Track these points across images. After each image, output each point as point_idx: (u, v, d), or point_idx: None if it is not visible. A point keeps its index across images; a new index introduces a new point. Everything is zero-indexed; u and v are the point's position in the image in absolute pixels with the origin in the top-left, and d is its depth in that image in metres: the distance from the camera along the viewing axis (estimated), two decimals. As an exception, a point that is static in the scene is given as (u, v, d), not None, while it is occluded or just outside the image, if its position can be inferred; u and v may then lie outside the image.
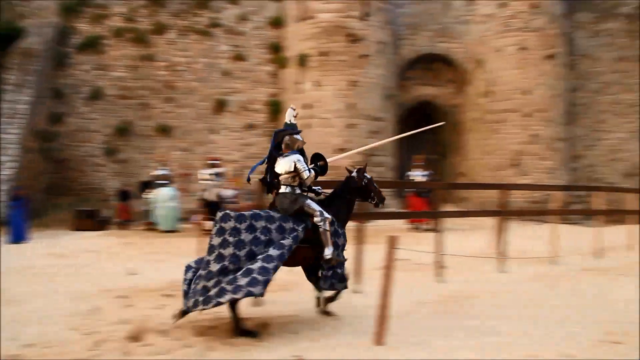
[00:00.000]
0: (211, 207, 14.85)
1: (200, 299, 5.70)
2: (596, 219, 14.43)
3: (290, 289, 8.58)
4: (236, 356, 5.43)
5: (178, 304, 6.47)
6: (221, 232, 5.84)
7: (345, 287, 6.73)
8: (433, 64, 24.38)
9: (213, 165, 16.66)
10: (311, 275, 6.68)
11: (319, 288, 6.69)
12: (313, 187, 6.76)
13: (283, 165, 6.40)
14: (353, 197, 7.08)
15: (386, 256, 5.96)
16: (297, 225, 6.20)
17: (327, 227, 6.27)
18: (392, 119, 22.29)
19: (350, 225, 7.22)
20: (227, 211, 5.99)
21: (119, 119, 20.93)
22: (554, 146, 23.01)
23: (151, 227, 16.69)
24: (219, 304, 5.63)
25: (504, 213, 11.59)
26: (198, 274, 5.91)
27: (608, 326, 6.56)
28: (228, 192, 16.77)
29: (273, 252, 5.81)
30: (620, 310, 7.41)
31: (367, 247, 8.94)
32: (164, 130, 21.36)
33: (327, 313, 6.88)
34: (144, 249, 13.28)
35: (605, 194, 16.36)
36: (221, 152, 20.83)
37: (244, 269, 5.67)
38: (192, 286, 5.91)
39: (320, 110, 20.69)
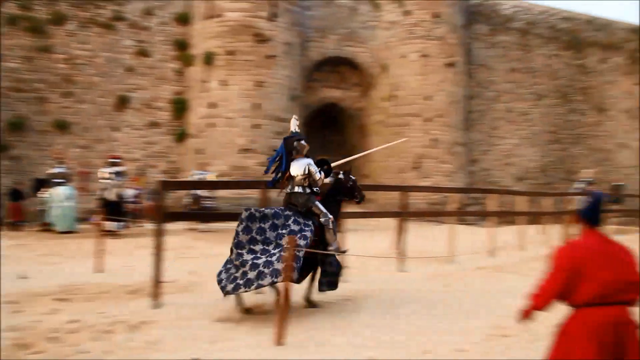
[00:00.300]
0: (111, 207, 14.34)
1: (241, 282, 6.43)
2: (490, 219, 15.12)
3: (191, 290, 8.44)
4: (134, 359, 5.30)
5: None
6: (249, 231, 6.66)
7: (334, 289, 7.55)
8: (339, 67, 24.76)
9: (114, 164, 16.02)
10: (307, 269, 7.17)
11: (318, 288, 7.43)
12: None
13: (297, 169, 7.21)
14: (342, 197, 7.91)
15: (287, 256, 5.98)
16: (309, 221, 7.02)
17: (331, 226, 7.15)
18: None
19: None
20: (252, 211, 6.78)
21: (12, 114, 19.72)
22: (453, 150, 23.94)
23: (47, 228, 15.84)
24: (260, 286, 6.40)
25: (403, 214, 11.91)
26: (231, 264, 6.67)
27: (498, 320, 6.89)
28: (129, 192, 16.28)
29: (299, 242, 6.47)
30: (508, 305, 7.82)
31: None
32: (62, 126, 20.36)
33: (313, 304, 7.51)
34: (37, 251, 12.61)
35: (498, 196, 17.15)
36: (122, 150, 20.19)
37: (277, 256, 6.37)
38: (226, 274, 6.67)
39: (225, 110, 20.49)
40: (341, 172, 8.01)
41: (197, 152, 20.81)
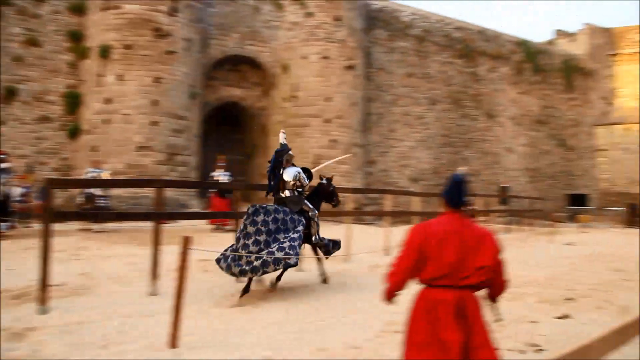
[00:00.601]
0: (-5, 206, 13.49)
1: (248, 268, 7.52)
2: (386, 219, 15.54)
3: (82, 294, 8.13)
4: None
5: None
6: (254, 223, 7.85)
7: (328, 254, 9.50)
8: (240, 65, 24.63)
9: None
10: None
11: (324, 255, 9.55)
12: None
13: (289, 176, 8.94)
14: (322, 199, 9.75)
15: (179, 257, 5.90)
16: (301, 217, 8.55)
17: (316, 220, 9.06)
18: (197, 118, 22.07)
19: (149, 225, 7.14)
20: (257, 206, 8.03)
21: None
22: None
23: None
24: (265, 272, 7.68)
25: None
26: (236, 252, 7.78)
27: (391, 317, 7.13)
28: (16, 190, 15.39)
29: (295, 235, 8.00)
30: (400, 301, 8.10)
31: (169, 249, 8.77)
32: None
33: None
34: None
35: (394, 197, 17.69)
36: (9, 145, 18.99)
37: (277, 247, 7.65)
38: (229, 261, 7.73)
39: (121, 106, 19.83)
40: (324, 178, 9.94)
41: (91, 149, 19.98)
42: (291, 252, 7.68)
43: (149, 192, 17.27)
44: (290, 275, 10.06)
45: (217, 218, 16.22)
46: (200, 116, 22.61)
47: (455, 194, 3.65)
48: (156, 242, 8.38)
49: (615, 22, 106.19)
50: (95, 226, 15.69)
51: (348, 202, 13.77)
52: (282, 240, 7.86)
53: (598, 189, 38.88)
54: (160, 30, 20.33)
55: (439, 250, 3.45)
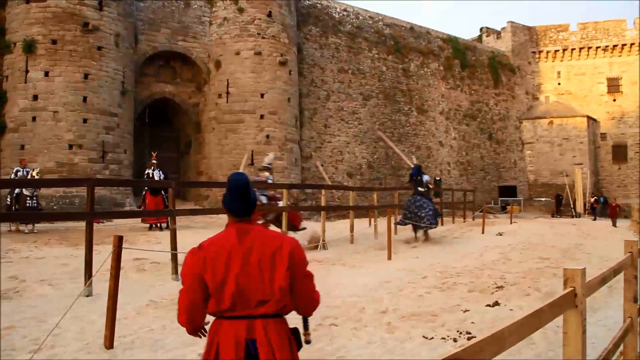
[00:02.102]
0: None
1: (416, 223, 15.52)
2: (322, 214, 15.68)
3: (11, 297, 7.85)
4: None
5: None
6: (415, 203, 15.63)
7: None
8: (172, 61, 24.23)
9: None
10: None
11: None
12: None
13: (425, 180, 16.43)
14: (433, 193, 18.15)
15: (112, 257, 5.80)
16: (431, 200, 16.43)
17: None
18: (129, 115, 21.55)
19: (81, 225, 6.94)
20: (415, 197, 15.76)
21: None
22: (286, 147, 24.44)
23: None
24: (421, 227, 15.54)
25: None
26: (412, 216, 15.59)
27: (326, 311, 7.22)
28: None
29: (430, 211, 15.61)
30: (336, 296, 8.22)
31: (103, 248, 8.58)
32: None
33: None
34: None
35: (330, 192, 17.85)
36: None
37: (424, 214, 15.42)
38: (407, 221, 15.80)
39: (49, 103, 19.16)
40: (436, 178, 18.35)
41: (18, 147, 19.19)
42: (432, 219, 15.53)
43: (81, 191, 16.78)
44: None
45: (151, 216, 15.91)
46: (132, 113, 22.09)
47: (237, 201, 2.91)
48: (89, 242, 8.19)
49: (538, 20, 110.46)
50: (26, 227, 15.13)
51: (284, 197, 13.78)
52: (425, 213, 15.45)
53: (526, 181, 40.43)
54: (87, 24, 19.71)
55: (222, 274, 2.78)
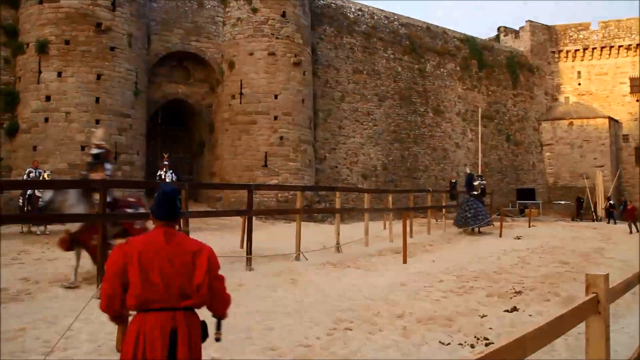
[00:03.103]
0: None
1: (471, 223, 19.10)
2: (337, 216, 15.51)
3: (23, 299, 7.77)
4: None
5: None
6: (468, 203, 19.57)
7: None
8: (185, 62, 24.22)
9: None
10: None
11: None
12: None
13: (477, 183, 20.89)
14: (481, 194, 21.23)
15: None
16: (482, 202, 20.48)
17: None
18: (141, 116, 21.53)
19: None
20: (468, 198, 19.84)
21: None
22: (300, 148, 24.31)
23: None
24: (477, 226, 19.05)
25: (245, 212, 11.85)
26: (464, 216, 19.41)
27: (341, 314, 7.08)
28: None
29: (483, 210, 19.70)
30: (351, 299, 8.06)
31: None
32: None
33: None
34: None
35: (345, 194, 17.70)
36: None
37: (479, 215, 19.34)
38: (462, 222, 19.46)
39: (62, 104, 19.16)
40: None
41: (30, 148, 19.24)
42: (485, 218, 19.24)
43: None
44: (235, 277, 9.95)
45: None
46: (145, 114, 22.07)
47: (163, 206, 3.35)
48: (102, 244, 8.11)
49: (558, 19, 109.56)
50: (38, 228, 15.16)
51: (299, 199, 13.64)
52: (478, 212, 19.13)
53: (545, 183, 39.95)
54: (100, 25, 19.72)
55: (147, 270, 3.14)
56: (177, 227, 3.48)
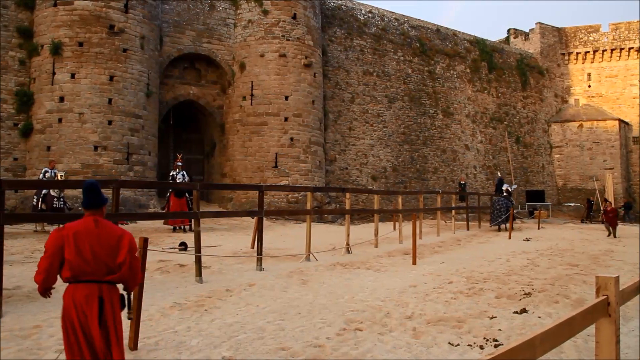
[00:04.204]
0: None
1: (500, 221, 22.20)
2: (347, 217, 15.58)
3: (37, 297, 7.88)
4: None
5: None
6: (498, 203, 22.48)
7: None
8: (196, 63, 24.37)
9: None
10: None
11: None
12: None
13: (505, 186, 24.12)
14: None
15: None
16: (509, 201, 22.68)
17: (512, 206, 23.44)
18: (153, 117, 21.69)
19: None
20: (498, 197, 22.98)
21: None
22: (310, 149, 24.39)
23: None
24: (504, 223, 22.06)
25: (255, 213, 11.93)
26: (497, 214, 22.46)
27: (352, 315, 7.15)
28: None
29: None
30: (361, 300, 8.13)
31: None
32: None
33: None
34: None
35: (355, 195, 17.76)
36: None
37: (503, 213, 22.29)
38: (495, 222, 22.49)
39: (75, 104, 19.37)
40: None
41: (44, 148, 19.45)
42: (497, 218, 21.71)
43: (105, 192, 16.89)
44: (246, 278, 10.03)
45: (176, 218, 15.98)
46: (157, 115, 22.23)
47: (88, 197, 4.06)
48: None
49: (567, 21, 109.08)
50: (52, 227, 15.32)
51: (309, 200, 13.72)
52: (495, 210, 22.19)
53: (554, 185, 39.81)
54: (113, 27, 19.92)
55: (80, 249, 3.87)
56: (102, 215, 4.15)
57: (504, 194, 23.12)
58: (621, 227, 23.39)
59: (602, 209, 23.91)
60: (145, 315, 6.50)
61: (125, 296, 4.22)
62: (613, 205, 23.69)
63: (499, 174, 28.60)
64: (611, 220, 21.20)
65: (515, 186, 27.10)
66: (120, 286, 4.14)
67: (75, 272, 3.89)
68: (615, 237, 20.27)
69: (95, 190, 4.11)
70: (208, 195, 24.62)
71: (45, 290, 4.08)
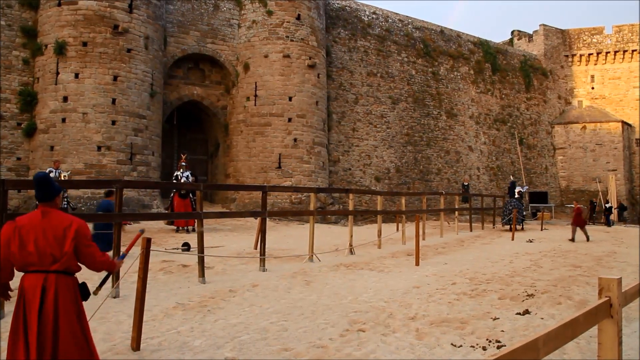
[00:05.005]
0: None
1: (508, 220, 23.90)
2: (350, 218, 15.59)
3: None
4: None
5: None
6: (511, 204, 24.44)
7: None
8: (200, 64, 24.41)
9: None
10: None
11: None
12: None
13: (517, 189, 26.57)
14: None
15: (140, 258, 5.81)
16: (520, 203, 25.42)
17: (522, 208, 26.76)
18: (157, 117, 21.72)
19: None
20: (510, 199, 25.44)
21: None
22: (314, 150, 24.40)
23: None
24: (504, 223, 24.67)
25: (259, 214, 11.95)
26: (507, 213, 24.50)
27: (355, 316, 7.15)
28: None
29: (523, 210, 25.25)
30: (364, 300, 8.14)
31: (131, 250, 8.59)
32: None
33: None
34: None
35: (359, 196, 17.76)
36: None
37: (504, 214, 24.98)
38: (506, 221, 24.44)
39: (79, 104, 19.40)
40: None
41: (48, 148, 19.50)
42: (505, 217, 23.96)
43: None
44: (249, 278, 10.03)
45: (179, 219, 16.01)
46: (161, 115, 22.26)
47: (39, 190, 4.12)
48: (117, 244, 8.25)
49: (571, 23, 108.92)
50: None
51: (312, 201, 13.73)
52: (505, 211, 24.07)
53: (557, 187, 39.76)
54: (117, 27, 19.96)
55: (25, 240, 3.95)
56: (55, 206, 4.19)
57: (516, 196, 25.23)
58: (617, 228, 23.33)
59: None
60: (149, 316, 6.52)
61: (87, 285, 4.27)
62: (579, 205, 21.07)
63: (512, 177, 31.17)
64: (578, 222, 19.11)
65: (526, 187, 29.44)
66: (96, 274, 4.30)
67: (19, 264, 3.99)
68: (588, 239, 18.58)
69: (44, 183, 4.16)
70: (212, 195, 24.66)
71: (3, 287, 4.23)
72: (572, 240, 18.35)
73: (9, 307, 6.96)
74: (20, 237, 3.96)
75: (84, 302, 4.18)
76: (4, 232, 4.02)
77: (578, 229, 18.95)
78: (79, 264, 4.15)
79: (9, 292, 4.21)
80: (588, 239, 18.56)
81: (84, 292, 4.20)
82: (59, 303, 3.96)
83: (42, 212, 4.07)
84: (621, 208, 34.84)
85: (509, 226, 23.18)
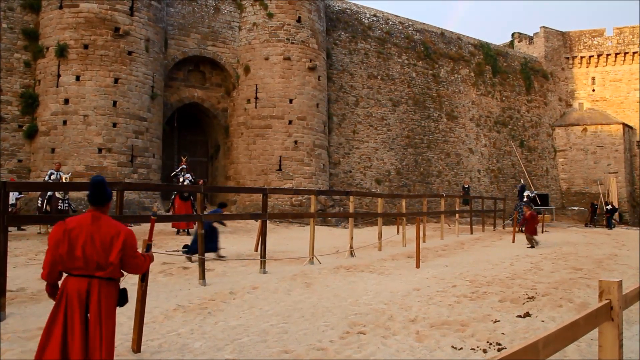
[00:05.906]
0: None
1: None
2: (350, 220, 15.58)
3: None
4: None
5: None
6: (519, 208, 24.05)
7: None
8: (201, 66, 24.43)
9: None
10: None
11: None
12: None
13: (526, 193, 27.44)
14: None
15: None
16: (529, 206, 21.10)
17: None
18: (158, 120, 21.74)
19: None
20: (519, 202, 25.72)
21: None
22: (314, 153, 24.40)
23: None
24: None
25: (259, 216, 11.94)
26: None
27: (355, 318, 7.15)
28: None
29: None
30: (364, 303, 8.14)
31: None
32: None
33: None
34: None
35: (359, 198, 17.75)
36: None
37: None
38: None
39: (80, 107, 19.43)
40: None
41: (49, 150, 19.51)
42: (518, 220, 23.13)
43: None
44: (249, 280, 10.03)
45: (180, 221, 16.03)
46: (161, 117, 22.27)
47: (92, 194, 4.14)
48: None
49: (572, 25, 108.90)
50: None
51: (312, 203, 13.73)
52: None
53: (558, 189, 39.74)
54: (118, 29, 19.99)
55: (74, 244, 3.98)
56: (106, 211, 4.23)
57: (525, 199, 25.47)
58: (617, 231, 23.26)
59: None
60: (149, 318, 6.52)
61: (127, 291, 4.31)
62: (531, 210, 18.44)
63: (522, 181, 32.22)
64: (528, 227, 17.60)
65: (534, 193, 30.59)
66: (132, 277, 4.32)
67: (66, 266, 4.01)
68: (533, 246, 17.00)
69: (100, 187, 4.16)
70: (212, 197, 24.66)
71: (51, 287, 4.21)
72: (532, 247, 16.97)
73: (10, 309, 6.97)
74: (70, 241, 3.98)
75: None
76: (54, 234, 4.03)
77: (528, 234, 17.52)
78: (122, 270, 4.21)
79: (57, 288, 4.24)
80: (532, 247, 16.98)
81: (122, 297, 4.25)
82: (102, 308, 4.02)
83: (92, 217, 4.08)
84: (612, 210, 34.50)
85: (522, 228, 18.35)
